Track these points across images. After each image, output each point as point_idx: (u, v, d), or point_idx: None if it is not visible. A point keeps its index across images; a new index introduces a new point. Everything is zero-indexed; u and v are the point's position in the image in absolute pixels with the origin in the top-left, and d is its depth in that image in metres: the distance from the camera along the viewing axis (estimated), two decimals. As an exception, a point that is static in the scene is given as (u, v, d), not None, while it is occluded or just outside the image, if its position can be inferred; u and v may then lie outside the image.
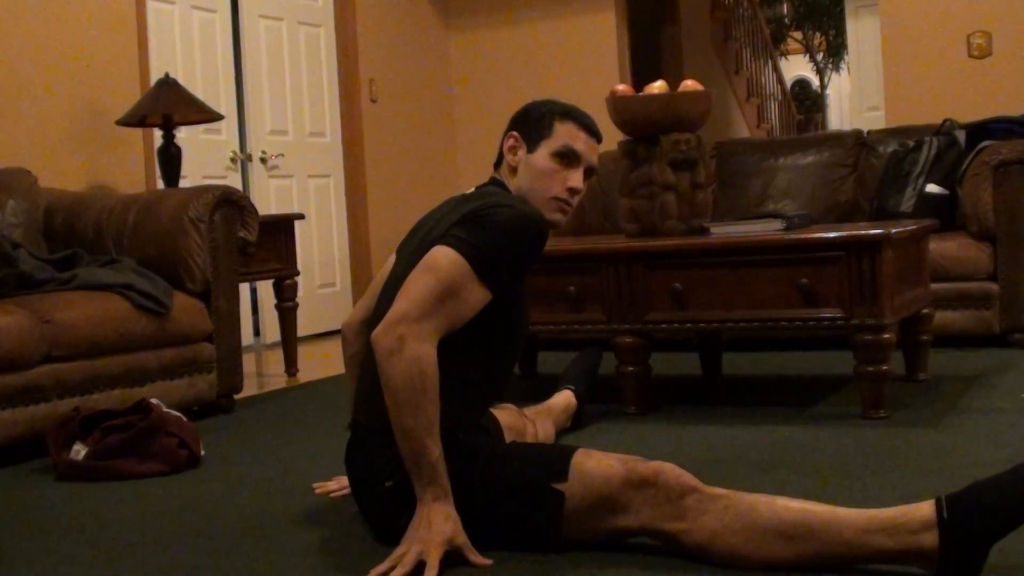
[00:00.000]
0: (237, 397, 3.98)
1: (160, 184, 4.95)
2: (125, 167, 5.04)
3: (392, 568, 1.90)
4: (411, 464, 1.96)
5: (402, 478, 2.02)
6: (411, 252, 2.15)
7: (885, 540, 1.76)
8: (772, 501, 1.88)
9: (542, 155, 2.23)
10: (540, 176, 2.22)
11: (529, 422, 2.71)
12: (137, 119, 4.63)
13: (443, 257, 2.02)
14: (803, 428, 3.03)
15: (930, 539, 1.74)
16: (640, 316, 3.30)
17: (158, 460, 2.93)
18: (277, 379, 4.78)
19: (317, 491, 2.59)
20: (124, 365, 3.44)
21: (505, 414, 2.57)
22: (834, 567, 1.81)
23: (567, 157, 2.23)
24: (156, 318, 3.53)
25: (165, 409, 3.08)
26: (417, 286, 2.01)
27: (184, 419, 3.09)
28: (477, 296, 2.03)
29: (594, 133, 2.27)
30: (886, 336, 3.05)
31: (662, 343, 3.72)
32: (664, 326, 3.30)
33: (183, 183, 4.69)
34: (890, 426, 2.99)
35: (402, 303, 2.00)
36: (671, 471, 1.93)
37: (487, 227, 2.04)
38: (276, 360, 5.21)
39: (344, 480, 2.57)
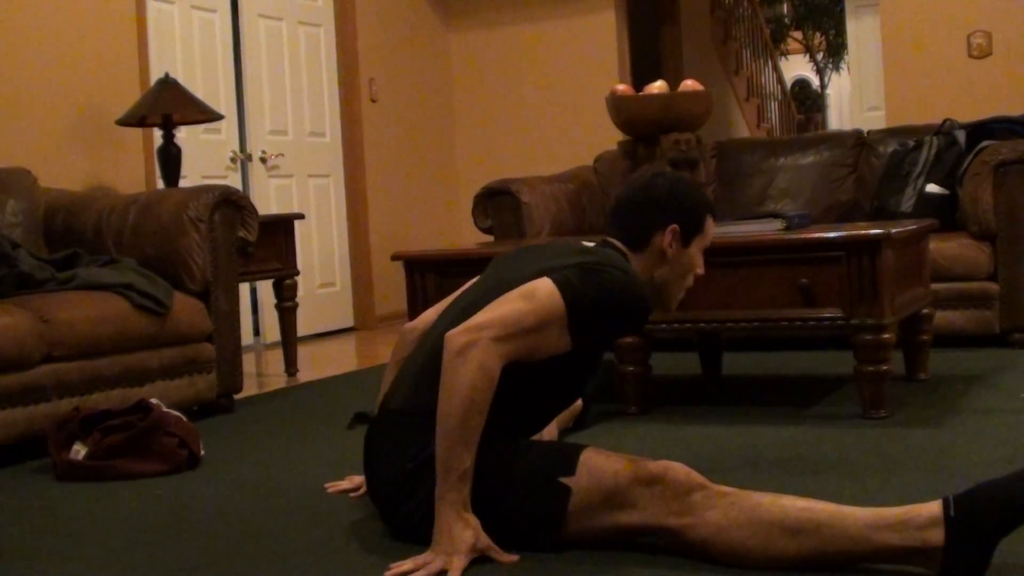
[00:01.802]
0: (237, 397, 3.98)
1: (160, 184, 4.95)
2: (125, 167, 5.04)
3: (415, 569, 1.91)
4: (441, 466, 1.96)
5: (422, 465, 2.03)
6: (511, 276, 2.14)
7: (891, 536, 1.77)
8: (778, 498, 1.89)
9: (695, 251, 2.32)
10: (687, 271, 2.32)
11: None
12: (137, 119, 4.63)
13: (544, 290, 2.03)
14: (803, 428, 3.03)
15: (936, 536, 1.74)
16: (640, 316, 3.30)
17: (158, 460, 2.92)
18: (277, 379, 4.78)
19: (330, 490, 2.59)
20: (124, 365, 3.44)
21: None
22: (838, 564, 1.81)
23: (700, 247, 2.33)
24: (156, 318, 3.53)
25: (165, 409, 3.07)
26: (509, 307, 2.01)
27: (184, 419, 3.08)
28: (559, 342, 2.05)
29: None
30: (886, 336, 3.05)
31: (662, 343, 3.72)
32: (664, 326, 3.30)
33: (183, 183, 4.69)
34: (890, 426, 2.99)
35: (487, 315, 2.00)
36: (680, 468, 1.94)
37: (599, 282, 2.06)
38: (276, 360, 5.21)
39: (357, 479, 2.58)
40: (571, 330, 2.04)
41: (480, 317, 1.99)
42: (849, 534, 1.79)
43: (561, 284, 2.03)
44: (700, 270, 2.34)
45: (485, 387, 1.94)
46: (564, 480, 1.99)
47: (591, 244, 2.26)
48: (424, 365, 2.13)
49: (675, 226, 2.27)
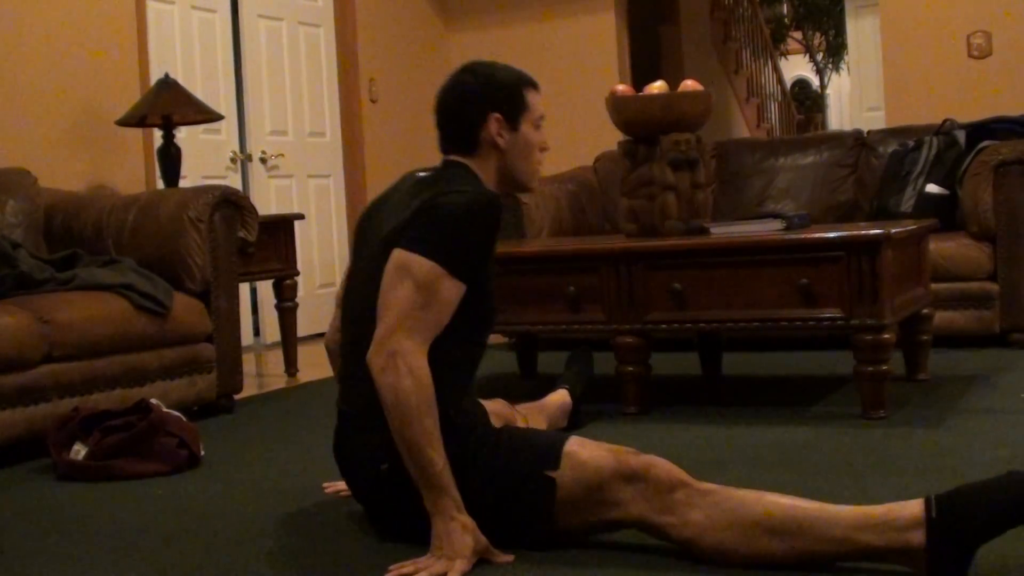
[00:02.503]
0: (237, 397, 3.98)
1: (160, 184, 4.95)
2: (125, 167, 5.04)
3: (416, 572, 1.91)
4: (419, 478, 1.96)
5: (396, 461, 2.02)
6: (372, 255, 2.13)
7: (873, 537, 1.76)
8: (761, 497, 1.89)
9: (528, 130, 2.24)
10: (528, 151, 2.24)
11: (520, 417, 2.70)
12: (137, 119, 4.63)
13: (414, 264, 2.01)
14: (803, 428, 3.03)
15: (918, 537, 1.74)
16: (640, 316, 3.30)
17: (158, 460, 2.92)
18: (277, 379, 4.78)
19: (327, 490, 2.59)
20: (124, 365, 3.44)
21: (493, 404, 2.57)
22: (822, 563, 1.81)
23: (539, 124, 2.26)
24: (156, 318, 3.53)
25: (165, 409, 3.07)
26: (397, 299, 2.00)
27: (184, 419, 3.08)
28: (454, 292, 2.03)
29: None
30: (886, 336, 3.05)
31: (662, 343, 3.72)
32: (664, 326, 3.30)
33: (183, 183, 4.69)
34: (890, 426, 2.99)
35: (384, 321, 1.99)
36: (662, 465, 1.93)
37: (442, 221, 2.03)
38: (276, 360, 5.20)
39: None
40: (455, 275, 2.02)
41: (381, 328, 1.99)
42: (832, 534, 1.79)
43: (420, 249, 2.01)
44: (543, 146, 2.26)
45: (422, 389, 1.94)
46: (549, 473, 1.98)
47: (426, 174, 2.23)
48: (345, 367, 2.19)
49: (496, 115, 2.20)
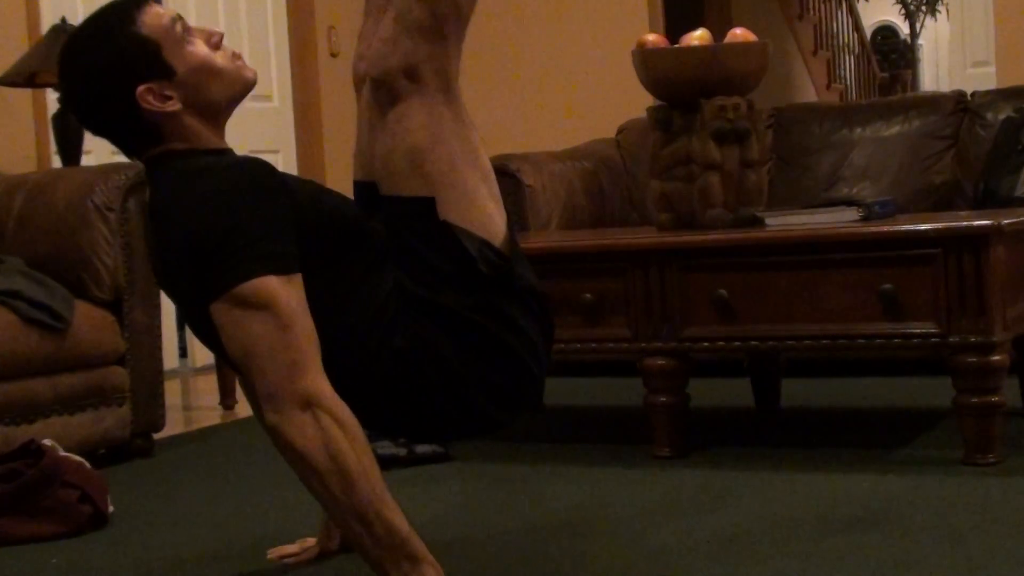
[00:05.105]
0: (156, 436, 3.99)
1: (56, 162, 4.95)
2: (9, 140, 5.04)
3: None
4: (382, 553, 1.98)
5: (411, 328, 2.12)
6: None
7: None
8: None
9: (183, 65, 2.18)
10: (208, 72, 2.20)
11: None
12: (24, 78, 4.63)
13: (234, 299, 2.00)
14: (889, 477, 3.03)
15: None
16: (675, 332, 3.30)
17: (53, 519, 2.91)
18: (209, 413, 4.80)
19: (271, 557, 2.58)
20: (8, 396, 3.44)
21: None
22: None
23: (185, 39, 2.19)
24: (51, 335, 3.52)
25: (62, 453, 3.07)
26: (252, 342, 1.99)
27: (87, 465, 3.08)
28: (298, 289, 2.03)
29: None
30: (996, 358, 3.04)
31: (703, 366, 3.72)
32: (706, 344, 3.30)
33: (86, 160, 4.70)
34: (1001, 475, 2.99)
35: (261, 378, 1.99)
36: None
37: (207, 240, 2.02)
38: (208, 388, 5.21)
39: (308, 541, 2.59)
40: (280, 271, 2.02)
41: (260, 382, 1.99)
42: None
43: (222, 288, 2.00)
44: (210, 43, 2.21)
45: (348, 437, 1.97)
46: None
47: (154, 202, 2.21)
48: None
49: (140, 90, 2.15)
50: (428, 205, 2.16)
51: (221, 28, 6.30)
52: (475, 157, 2.22)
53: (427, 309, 2.14)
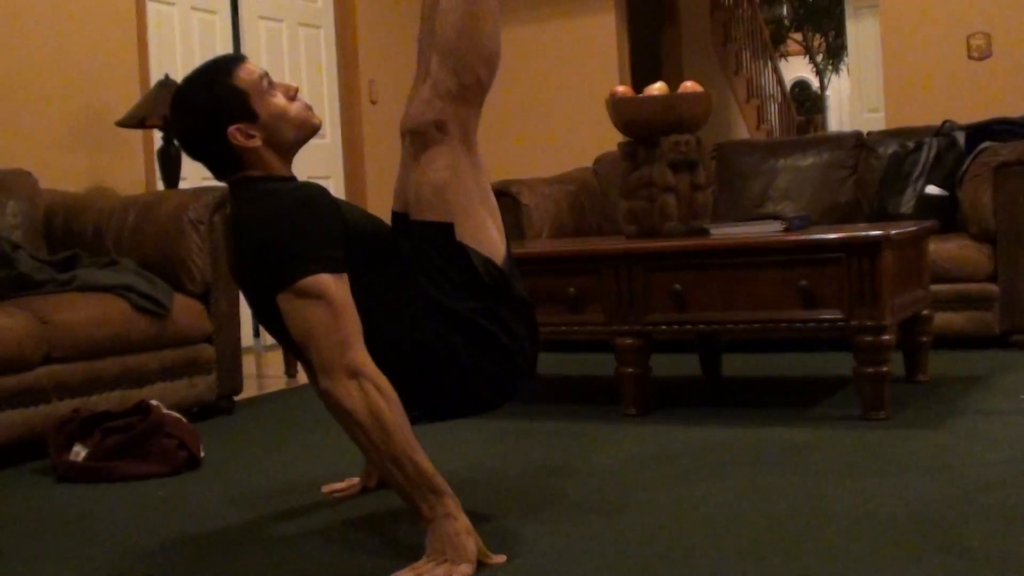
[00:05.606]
0: (237, 398, 3.98)
1: (160, 185, 4.95)
2: (125, 168, 5.04)
3: None
4: (412, 489, 1.96)
5: (430, 326, 2.12)
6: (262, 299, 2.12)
7: None
8: None
9: (263, 107, 2.17)
10: (280, 118, 2.18)
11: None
12: (137, 120, 4.63)
13: (298, 290, 1.99)
14: (803, 429, 3.03)
15: None
16: (640, 317, 3.30)
17: (158, 461, 2.92)
18: (277, 380, 4.78)
19: (326, 493, 2.59)
20: (124, 366, 3.44)
21: None
22: None
23: (269, 91, 2.19)
24: (156, 319, 3.53)
25: (165, 410, 3.07)
26: (311, 326, 1.98)
27: (184, 420, 3.09)
28: (345, 285, 2.01)
29: (244, 57, 2.25)
30: (886, 337, 3.05)
31: (662, 344, 3.72)
32: (664, 327, 3.30)
33: (183, 185, 4.69)
34: (890, 427, 2.99)
35: (316, 346, 1.98)
36: None
37: (274, 243, 2.01)
38: (276, 361, 5.20)
39: (353, 480, 2.61)
40: (331, 271, 2.00)
41: (317, 357, 1.98)
42: None
43: (284, 279, 2.00)
44: (288, 95, 2.20)
45: (385, 399, 1.95)
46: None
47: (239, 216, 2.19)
48: None
49: (230, 129, 2.14)
50: (448, 229, 2.16)
51: (287, 81, 6.34)
52: (485, 195, 2.22)
53: (442, 311, 2.14)
